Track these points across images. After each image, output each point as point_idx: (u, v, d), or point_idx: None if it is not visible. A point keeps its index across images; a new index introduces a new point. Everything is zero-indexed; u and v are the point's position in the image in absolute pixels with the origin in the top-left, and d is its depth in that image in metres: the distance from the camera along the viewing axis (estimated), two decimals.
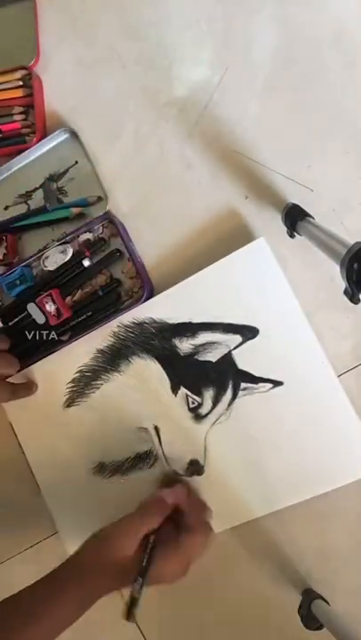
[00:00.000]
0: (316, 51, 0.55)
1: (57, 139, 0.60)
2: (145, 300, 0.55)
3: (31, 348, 0.58)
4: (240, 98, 0.56)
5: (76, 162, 0.60)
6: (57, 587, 0.42)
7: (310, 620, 0.50)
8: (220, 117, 0.57)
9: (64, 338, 0.58)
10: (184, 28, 0.59)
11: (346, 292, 0.38)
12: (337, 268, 0.38)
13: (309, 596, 0.51)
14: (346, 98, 0.54)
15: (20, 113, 0.61)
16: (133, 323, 0.55)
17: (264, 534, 0.54)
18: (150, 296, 0.56)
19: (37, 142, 0.60)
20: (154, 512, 0.46)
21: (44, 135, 0.61)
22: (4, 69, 0.62)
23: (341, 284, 0.38)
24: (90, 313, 0.57)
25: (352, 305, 0.38)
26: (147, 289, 0.55)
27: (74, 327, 0.57)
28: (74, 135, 0.60)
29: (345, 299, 0.38)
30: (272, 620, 0.54)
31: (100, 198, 0.59)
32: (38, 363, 0.57)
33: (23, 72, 0.62)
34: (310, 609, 0.50)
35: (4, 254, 0.61)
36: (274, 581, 0.54)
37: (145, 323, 0.55)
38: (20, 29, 0.63)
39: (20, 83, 0.62)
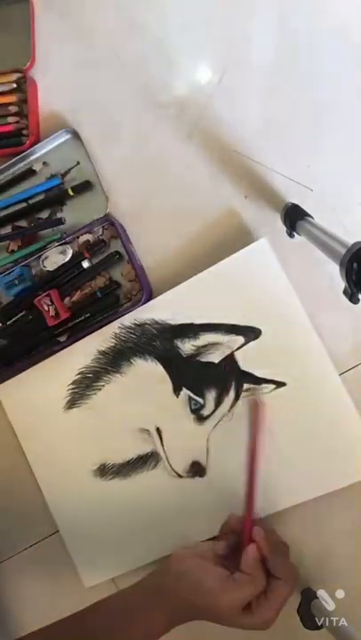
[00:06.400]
0: (315, 50, 0.55)
1: (59, 139, 0.60)
2: (143, 304, 0.55)
3: (29, 348, 0.58)
4: (240, 98, 0.56)
5: (78, 162, 0.60)
6: (138, 608, 0.42)
7: (309, 619, 0.50)
8: (220, 117, 0.57)
9: (62, 339, 0.58)
10: (184, 27, 0.59)
11: (345, 292, 0.38)
12: (336, 267, 0.38)
13: (309, 596, 0.51)
14: (346, 97, 0.54)
15: (15, 114, 0.61)
16: (135, 324, 0.55)
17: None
18: (149, 299, 0.55)
19: (30, 146, 0.60)
20: (259, 579, 0.41)
21: (38, 139, 0.61)
22: None
23: (341, 283, 0.38)
24: (88, 314, 0.57)
25: (352, 305, 0.38)
26: (145, 292, 0.55)
27: (72, 328, 0.57)
28: (75, 135, 0.60)
29: (345, 299, 0.38)
30: None
31: (78, 162, 0.60)
32: (39, 364, 0.57)
33: (18, 75, 0.61)
34: (310, 608, 0.50)
35: (19, 246, 0.61)
36: None
37: (146, 324, 0.55)
38: (17, 32, 0.63)
39: (15, 85, 0.62)
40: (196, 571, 0.42)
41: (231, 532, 0.46)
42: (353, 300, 0.38)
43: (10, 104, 0.61)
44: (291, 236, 0.53)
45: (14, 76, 0.61)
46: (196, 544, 0.46)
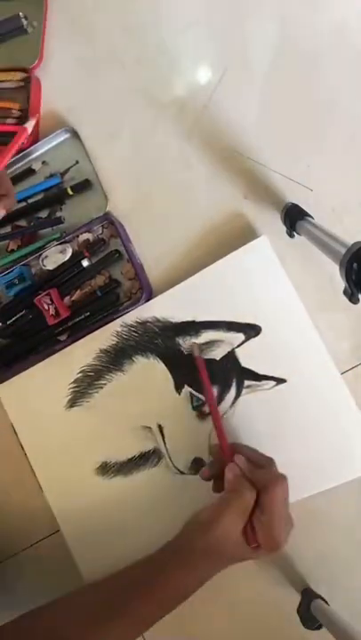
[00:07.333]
0: (315, 50, 0.55)
1: (58, 138, 0.60)
2: (143, 303, 0.55)
3: (29, 347, 0.58)
4: (239, 98, 0.57)
5: (77, 161, 0.60)
6: (160, 571, 0.40)
7: (309, 619, 0.50)
8: (220, 117, 0.57)
9: (62, 338, 0.58)
10: (184, 27, 0.59)
11: (345, 292, 0.38)
12: (336, 267, 0.38)
13: (309, 596, 0.51)
14: (345, 97, 0.54)
15: (18, 113, 0.61)
16: (137, 322, 0.55)
17: None
18: (149, 298, 0.56)
19: (30, 145, 0.60)
20: (244, 491, 0.41)
21: (37, 138, 0.61)
22: (4, 67, 0.61)
23: (341, 283, 0.38)
24: (88, 313, 0.57)
25: (352, 305, 0.38)
26: (145, 291, 0.55)
27: (72, 327, 0.57)
28: (75, 135, 0.60)
29: (344, 298, 0.38)
30: (271, 620, 0.54)
31: (77, 162, 0.60)
32: (39, 363, 0.57)
33: (23, 75, 0.61)
34: (309, 608, 0.50)
35: (18, 245, 0.61)
36: (273, 581, 0.54)
37: (148, 322, 0.55)
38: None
39: (22, 84, 0.61)
40: (195, 515, 0.42)
41: (215, 462, 0.47)
42: (353, 300, 0.38)
43: (13, 102, 0.61)
44: (291, 235, 0.53)
45: (20, 75, 0.61)
46: None
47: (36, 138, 0.61)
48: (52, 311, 0.56)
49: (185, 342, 0.54)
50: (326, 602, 0.51)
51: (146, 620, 0.40)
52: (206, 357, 0.53)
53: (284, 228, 0.53)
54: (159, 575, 0.40)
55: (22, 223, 0.62)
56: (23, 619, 0.42)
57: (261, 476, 0.42)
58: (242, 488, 0.41)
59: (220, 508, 0.41)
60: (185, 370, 0.54)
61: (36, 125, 0.62)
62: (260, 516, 0.40)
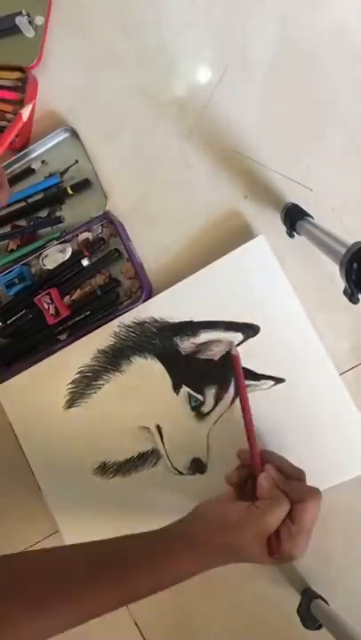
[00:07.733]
0: (315, 50, 0.55)
1: (57, 137, 0.60)
2: (144, 301, 0.55)
3: (29, 346, 0.58)
4: (239, 97, 0.57)
5: (76, 161, 0.60)
6: (163, 552, 0.40)
7: (309, 619, 0.50)
8: (220, 117, 0.57)
9: (62, 337, 0.58)
10: (184, 27, 0.59)
11: (345, 292, 0.38)
12: (336, 267, 0.38)
13: (309, 596, 0.51)
14: (345, 97, 0.54)
15: (11, 117, 0.61)
16: (134, 322, 0.55)
17: None
18: (149, 297, 0.56)
19: (21, 146, 0.60)
20: (281, 502, 0.40)
21: (28, 140, 0.61)
22: (1, 65, 0.61)
23: (341, 283, 0.38)
24: (88, 312, 0.57)
25: (352, 305, 0.38)
26: (145, 290, 0.55)
27: (72, 326, 0.57)
28: (74, 134, 0.60)
29: (344, 299, 0.38)
30: (271, 620, 0.54)
31: (76, 161, 0.60)
32: (38, 364, 0.57)
33: (20, 74, 0.61)
34: (309, 608, 0.50)
35: (18, 245, 0.61)
36: (273, 581, 0.54)
37: (146, 322, 0.55)
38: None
39: (19, 84, 0.61)
40: (219, 509, 0.42)
41: (243, 466, 0.46)
42: (353, 300, 0.38)
43: (9, 100, 0.61)
44: (291, 235, 0.53)
45: (17, 74, 0.61)
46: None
47: (26, 140, 0.61)
48: (51, 310, 0.56)
49: (183, 342, 0.54)
50: (326, 602, 0.51)
51: (132, 596, 0.39)
52: (204, 357, 0.53)
53: (284, 228, 0.53)
54: (161, 555, 0.40)
55: (22, 223, 0.62)
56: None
57: (296, 489, 0.42)
58: (279, 498, 0.41)
59: (253, 511, 0.40)
60: (183, 370, 0.54)
61: (29, 124, 0.61)
62: (290, 526, 0.40)
